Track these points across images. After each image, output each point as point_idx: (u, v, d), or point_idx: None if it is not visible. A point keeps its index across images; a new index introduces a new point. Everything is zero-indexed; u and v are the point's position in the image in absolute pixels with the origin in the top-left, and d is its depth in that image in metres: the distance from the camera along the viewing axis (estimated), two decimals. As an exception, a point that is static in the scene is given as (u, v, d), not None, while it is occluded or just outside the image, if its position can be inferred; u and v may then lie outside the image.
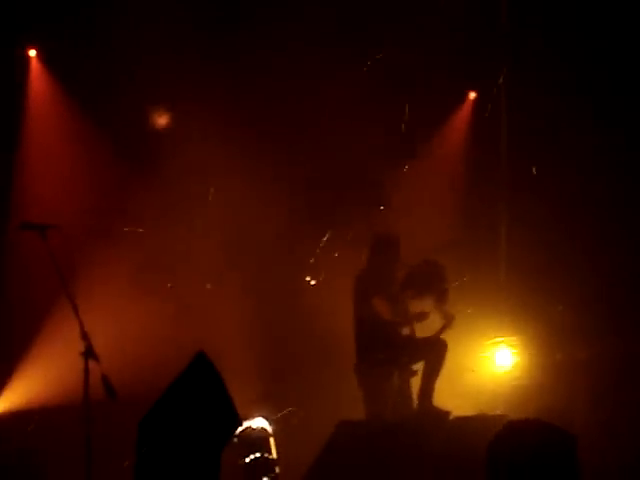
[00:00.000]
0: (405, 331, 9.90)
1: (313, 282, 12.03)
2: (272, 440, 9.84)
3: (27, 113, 11.61)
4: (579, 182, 12.09)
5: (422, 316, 9.82)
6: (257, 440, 9.68)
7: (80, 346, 7.51)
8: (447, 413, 9.56)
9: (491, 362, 11.99)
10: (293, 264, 12.00)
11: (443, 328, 9.73)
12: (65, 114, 11.70)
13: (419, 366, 9.79)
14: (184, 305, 11.48)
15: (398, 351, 9.73)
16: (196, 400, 4.75)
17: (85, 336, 7.50)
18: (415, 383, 9.83)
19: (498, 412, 9.58)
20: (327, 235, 11.81)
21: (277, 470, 9.63)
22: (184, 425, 4.71)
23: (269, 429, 9.94)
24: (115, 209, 11.32)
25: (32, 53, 11.61)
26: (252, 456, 9.58)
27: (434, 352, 9.73)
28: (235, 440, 9.07)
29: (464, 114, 13.02)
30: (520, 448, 2.69)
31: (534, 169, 12.23)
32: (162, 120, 11.74)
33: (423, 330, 9.90)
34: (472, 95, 13.04)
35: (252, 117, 11.72)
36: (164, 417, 4.74)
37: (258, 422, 9.91)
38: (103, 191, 11.38)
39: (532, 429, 2.77)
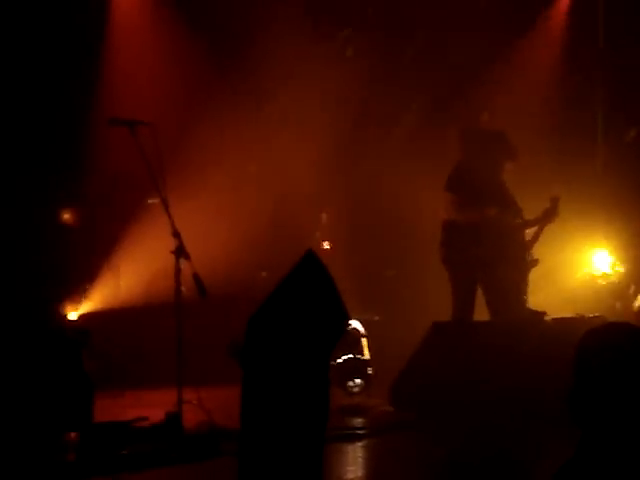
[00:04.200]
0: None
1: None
2: (365, 341, 9.76)
3: (115, 6, 11.42)
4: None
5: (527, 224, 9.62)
6: (349, 341, 9.61)
7: (171, 244, 7.45)
8: (542, 314, 9.39)
9: (589, 265, 11.81)
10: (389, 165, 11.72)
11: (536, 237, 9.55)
12: (155, 6, 11.49)
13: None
14: (279, 204, 11.33)
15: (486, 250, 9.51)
16: (306, 298, 4.63)
17: (176, 233, 7.43)
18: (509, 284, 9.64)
19: (596, 314, 9.36)
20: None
21: (370, 371, 9.57)
22: (294, 323, 4.60)
23: (362, 330, 9.86)
24: (205, 104, 11.11)
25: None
26: (344, 357, 9.53)
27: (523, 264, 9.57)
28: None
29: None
30: (607, 349, 2.62)
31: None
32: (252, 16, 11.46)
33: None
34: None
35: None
36: (274, 314, 4.63)
37: (351, 322, 9.82)
38: (193, 86, 11.18)
39: (620, 331, 2.66)
